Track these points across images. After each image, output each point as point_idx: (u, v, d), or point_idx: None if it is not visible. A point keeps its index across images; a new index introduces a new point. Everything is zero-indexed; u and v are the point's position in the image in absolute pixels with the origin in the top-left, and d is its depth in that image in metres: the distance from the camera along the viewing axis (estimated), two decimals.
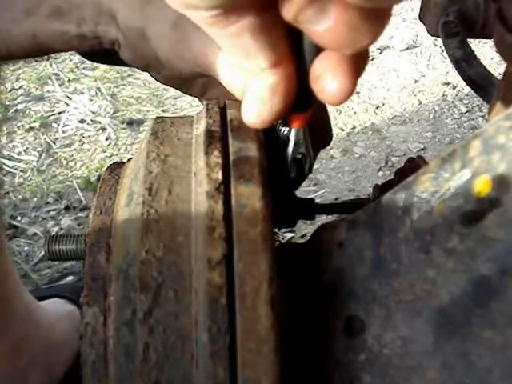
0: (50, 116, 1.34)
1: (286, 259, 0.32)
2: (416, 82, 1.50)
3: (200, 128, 0.32)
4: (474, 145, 0.24)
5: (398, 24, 1.71)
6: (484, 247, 0.24)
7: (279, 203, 0.31)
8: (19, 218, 1.08)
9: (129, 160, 0.36)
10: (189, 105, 1.40)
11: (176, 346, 0.26)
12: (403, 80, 1.50)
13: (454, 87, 1.47)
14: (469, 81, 0.69)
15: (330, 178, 1.19)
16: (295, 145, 0.34)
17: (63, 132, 1.30)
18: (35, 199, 1.12)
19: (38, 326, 0.70)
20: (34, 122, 1.31)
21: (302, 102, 0.31)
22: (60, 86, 1.44)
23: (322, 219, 0.89)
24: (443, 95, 1.45)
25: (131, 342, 0.27)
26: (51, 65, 1.51)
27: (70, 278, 0.86)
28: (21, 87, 1.43)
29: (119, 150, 1.26)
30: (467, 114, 1.39)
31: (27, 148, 1.25)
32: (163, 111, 1.38)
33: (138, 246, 0.28)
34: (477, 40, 0.88)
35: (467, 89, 1.03)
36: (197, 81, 0.38)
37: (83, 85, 1.45)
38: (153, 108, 1.39)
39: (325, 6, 0.23)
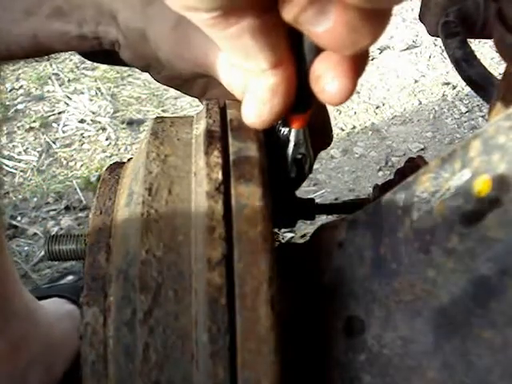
0: (49, 116, 1.34)
1: (286, 259, 0.32)
2: (416, 82, 1.50)
3: (200, 128, 0.32)
4: (473, 145, 0.24)
5: (397, 24, 1.71)
6: (484, 247, 0.24)
7: (279, 203, 0.31)
8: (19, 218, 1.08)
9: (129, 160, 0.36)
10: (189, 105, 1.40)
11: (176, 346, 0.26)
12: (403, 80, 1.50)
13: (454, 87, 1.47)
14: (469, 81, 0.69)
15: (330, 178, 1.19)
16: (295, 145, 0.34)
17: (63, 132, 1.30)
18: (35, 199, 1.12)
19: (37, 325, 0.69)
20: (34, 122, 1.31)
21: (302, 102, 0.31)
22: (60, 86, 1.44)
23: (322, 219, 0.89)
24: (443, 95, 1.45)
25: (131, 342, 0.27)
26: (51, 65, 1.51)
27: (70, 277, 0.86)
28: (21, 87, 1.43)
29: (119, 149, 1.26)
30: (467, 114, 1.39)
31: (27, 148, 1.25)
32: (163, 111, 1.38)
33: (137, 246, 0.28)
34: (477, 40, 0.88)
35: (467, 89, 1.03)
36: (197, 81, 0.38)
37: (83, 85, 1.45)
38: (153, 108, 1.39)
39: (325, 7, 0.23)
